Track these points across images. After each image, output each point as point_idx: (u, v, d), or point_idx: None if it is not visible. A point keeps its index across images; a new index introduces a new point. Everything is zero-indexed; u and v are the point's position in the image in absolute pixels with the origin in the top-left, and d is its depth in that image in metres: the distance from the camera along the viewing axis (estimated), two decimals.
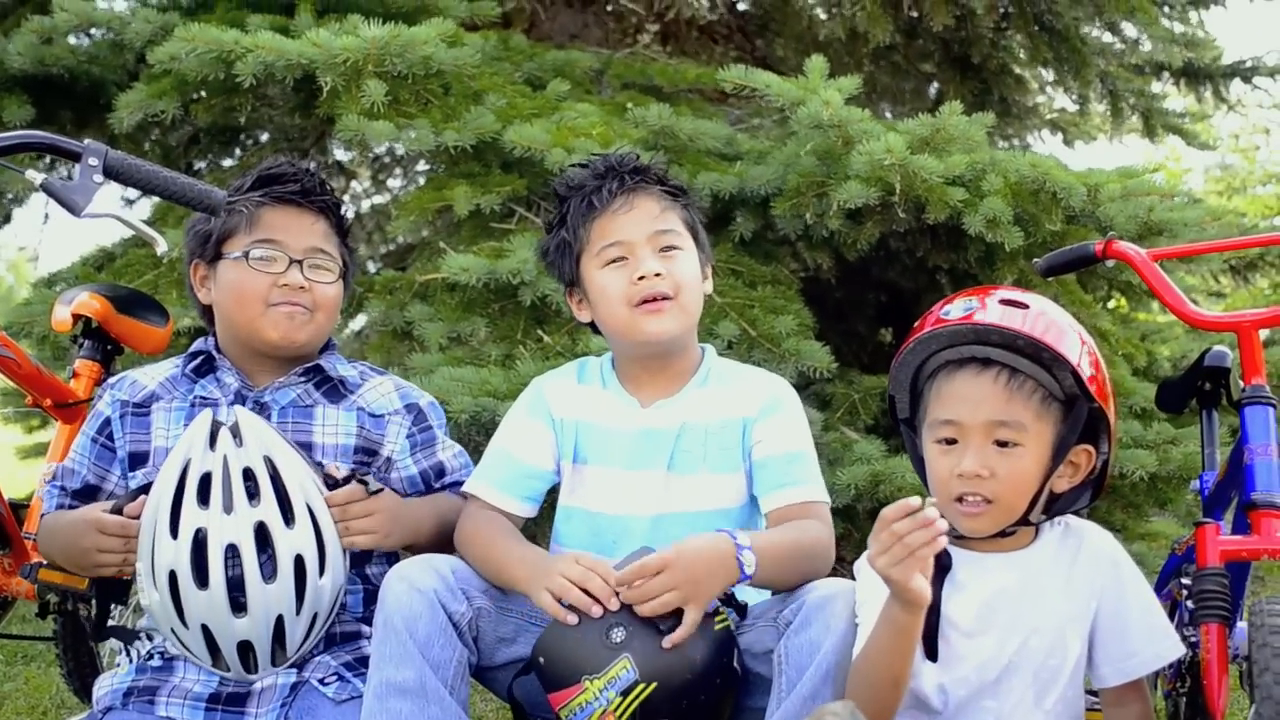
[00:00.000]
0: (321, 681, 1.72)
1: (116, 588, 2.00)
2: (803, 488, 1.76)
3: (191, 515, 1.63)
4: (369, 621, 1.85)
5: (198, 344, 1.90)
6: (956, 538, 1.60)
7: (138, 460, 1.84)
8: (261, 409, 1.83)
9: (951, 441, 1.56)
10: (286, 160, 1.92)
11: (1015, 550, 1.62)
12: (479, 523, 1.78)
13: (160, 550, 1.63)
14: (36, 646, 3.05)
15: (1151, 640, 1.60)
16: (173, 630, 1.67)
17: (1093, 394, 1.56)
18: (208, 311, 1.90)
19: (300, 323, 1.83)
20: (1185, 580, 1.87)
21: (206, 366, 1.88)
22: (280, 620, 1.66)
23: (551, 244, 1.85)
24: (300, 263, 1.83)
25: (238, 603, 1.63)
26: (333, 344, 1.96)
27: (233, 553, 1.62)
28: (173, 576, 1.63)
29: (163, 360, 1.98)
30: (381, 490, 1.74)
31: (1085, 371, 1.55)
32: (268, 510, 1.64)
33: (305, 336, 1.84)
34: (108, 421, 1.87)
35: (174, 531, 1.62)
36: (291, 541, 1.65)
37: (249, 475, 1.64)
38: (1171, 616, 2.01)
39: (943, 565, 1.57)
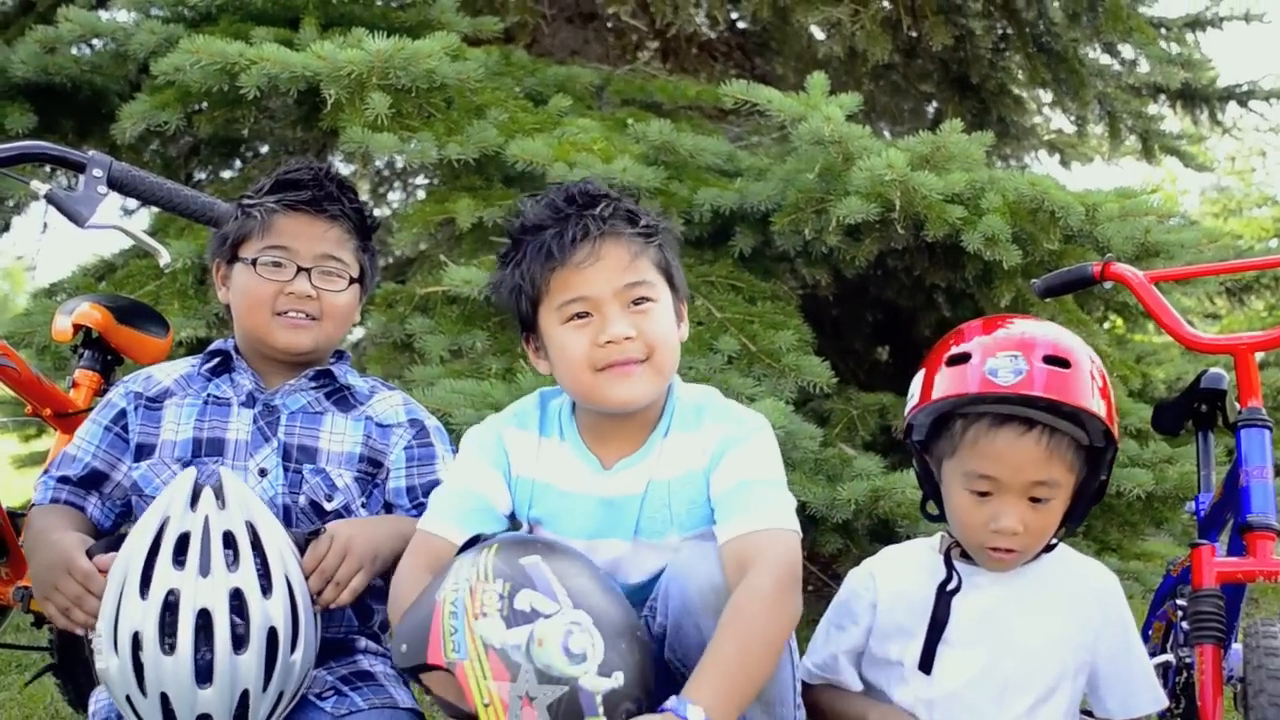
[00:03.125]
0: (319, 696, 1.71)
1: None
2: (748, 516, 1.58)
3: (165, 575, 1.53)
4: (364, 634, 1.86)
5: (217, 343, 1.91)
6: (961, 556, 1.65)
7: (144, 452, 1.83)
8: (271, 411, 1.84)
9: (984, 494, 1.57)
10: (305, 165, 1.89)
11: (1022, 568, 1.65)
12: (414, 583, 1.58)
13: (127, 610, 1.52)
14: (31, 656, 3.04)
15: (1151, 688, 1.65)
16: (128, 698, 1.54)
17: (1115, 439, 1.58)
18: (229, 310, 1.91)
19: (306, 331, 1.83)
20: (1181, 601, 1.88)
21: (223, 366, 1.88)
22: (245, 695, 1.54)
23: (504, 287, 1.66)
24: (309, 271, 1.82)
25: (203, 672, 1.52)
26: (346, 355, 1.95)
27: (204, 618, 1.52)
28: (136, 639, 1.52)
29: (179, 359, 1.97)
30: (323, 530, 1.67)
31: (1115, 420, 1.57)
32: (246, 577, 1.55)
33: (311, 344, 1.84)
34: (123, 413, 1.86)
35: (144, 591, 1.52)
36: (267, 612, 1.55)
37: (229, 540, 1.56)
38: (1166, 637, 2.02)
39: (951, 589, 1.61)
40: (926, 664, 1.61)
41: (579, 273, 1.59)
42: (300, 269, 1.82)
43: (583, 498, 1.68)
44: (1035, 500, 1.56)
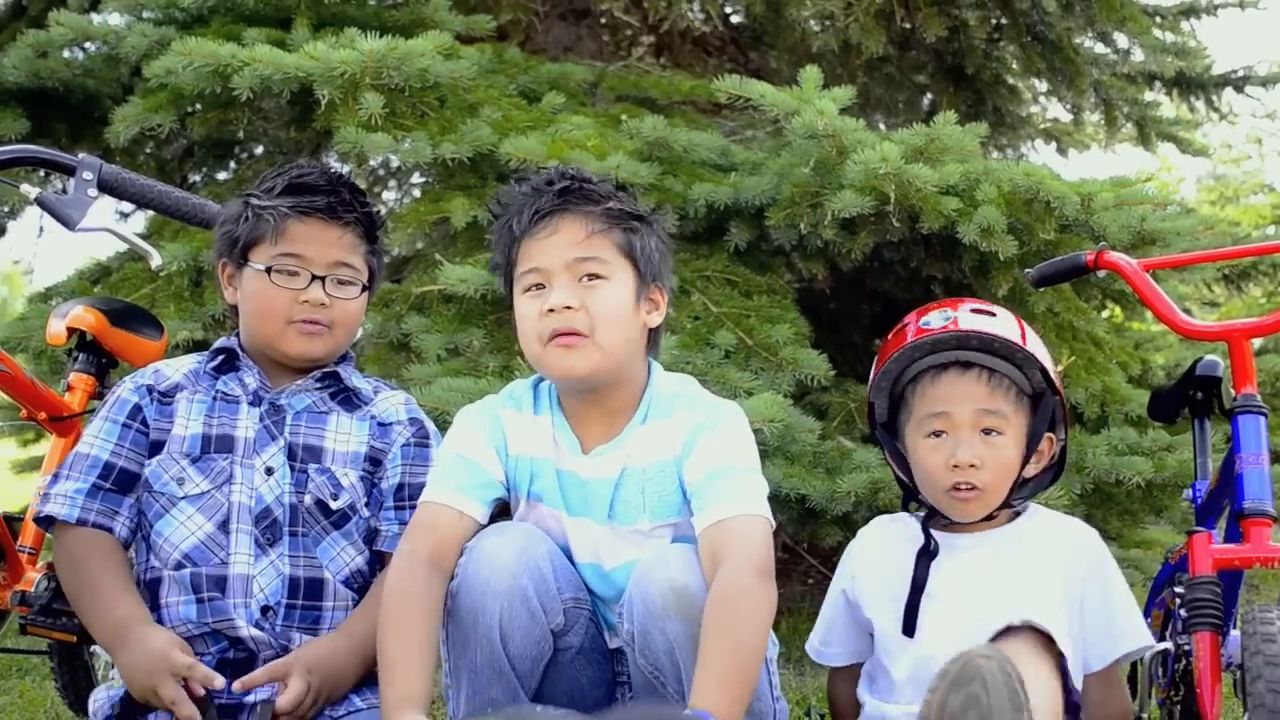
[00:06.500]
0: None
1: None
2: (723, 503, 1.62)
3: None
4: None
5: (221, 341, 1.90)
6: (941, 525, 1.74)
7: (155, 448, 1.82)
8: (277, 410, 1.84)
9: (939, 434, 1.70)
10: (318, 168, 1.89)
11: (992, 529, 1.73)
12: (406, 584, 1.61)
13: None
14: (31, 659, 3.04)
15: (1130, 628, 1.69)
16: None
17: (1057, 387, 1.73)
18: (235, 309, 1.90)
19: (319, 339, 1.83)
20: (1179, 589, 1.87)
21: (228, 364, 1.88)
22: None
23: (491, 266, 1.79)
24: (323, 279, 1.82)
25: None
26: (350, 356, 1.95)
27: None
28: None
29: (183, 356, 1.96)
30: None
31: (1050, 368, 1.72)
32: None
33: (322, 351, 1.85)
34: (138, 407, 1.83)
35: None
36: None
37: None
38: (1165, 625, 2.02)
39: (929, 551, 1.71)
40: (909, 627, 1.67)
41: (536, 244, 1.68)
42: (315, 277, 1.81)
43: (568, 475, 1.74)
44: (987, 432, 1.69)
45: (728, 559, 1.56)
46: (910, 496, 1.80)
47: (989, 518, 1.72)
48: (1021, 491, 1.75)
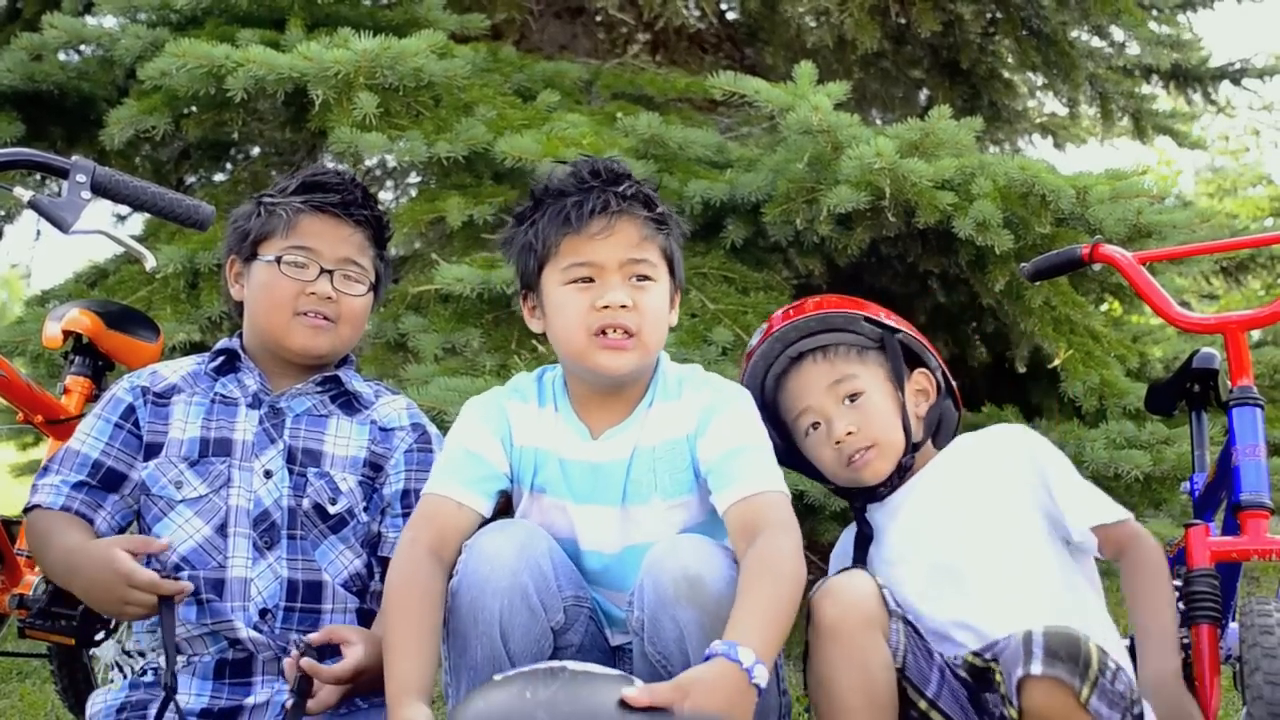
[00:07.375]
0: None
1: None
2: (748, 480, 1.65)
3: None
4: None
5: (223, 342, 1.91)
6: (872, 498, 1.83)
7: (151, 451, 1.82)
8: (277, 413, 1.84)
9: (815, 425, 1.82)
10: (332, 169, 1.93)
11: (920, 470, 1.84)
12: (408, 573, 1.61)
13: None
14: (31, 663, 3.05)
15: (1098, 499, 1.74)
16: None
17: (894, 325, 1.85)
18: (240, 308, 1.91)
19: (323, 334, 1.84)
20: (1177, 582, 1.87)
21: (229, 365, 1.88)
22: None
23: (516, 243, 1.76)
24: (331, 273, 1.84)
25: None
26: (351, 359, 1.96)
27: None
28: None
29: (183, 357, 1.96)
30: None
31: (878, 313, 1.84)
32: None
33: (327, 347, 1.86)
34: (131, 408, 1.84)
35: None
36: None
37: None
38: None
39: (865, 536, 1.80)
40: None
41: (590, 242, 1.68)
42: (323, 270, 1.83)
43: (576, 464, 1.75)
44: (851, 400, 1.80)
45: (769, 525, 1.59)
46: (838, 492, 1.92)
47: (903, 468, 1.79)
48: (931, 426, 1.85)
